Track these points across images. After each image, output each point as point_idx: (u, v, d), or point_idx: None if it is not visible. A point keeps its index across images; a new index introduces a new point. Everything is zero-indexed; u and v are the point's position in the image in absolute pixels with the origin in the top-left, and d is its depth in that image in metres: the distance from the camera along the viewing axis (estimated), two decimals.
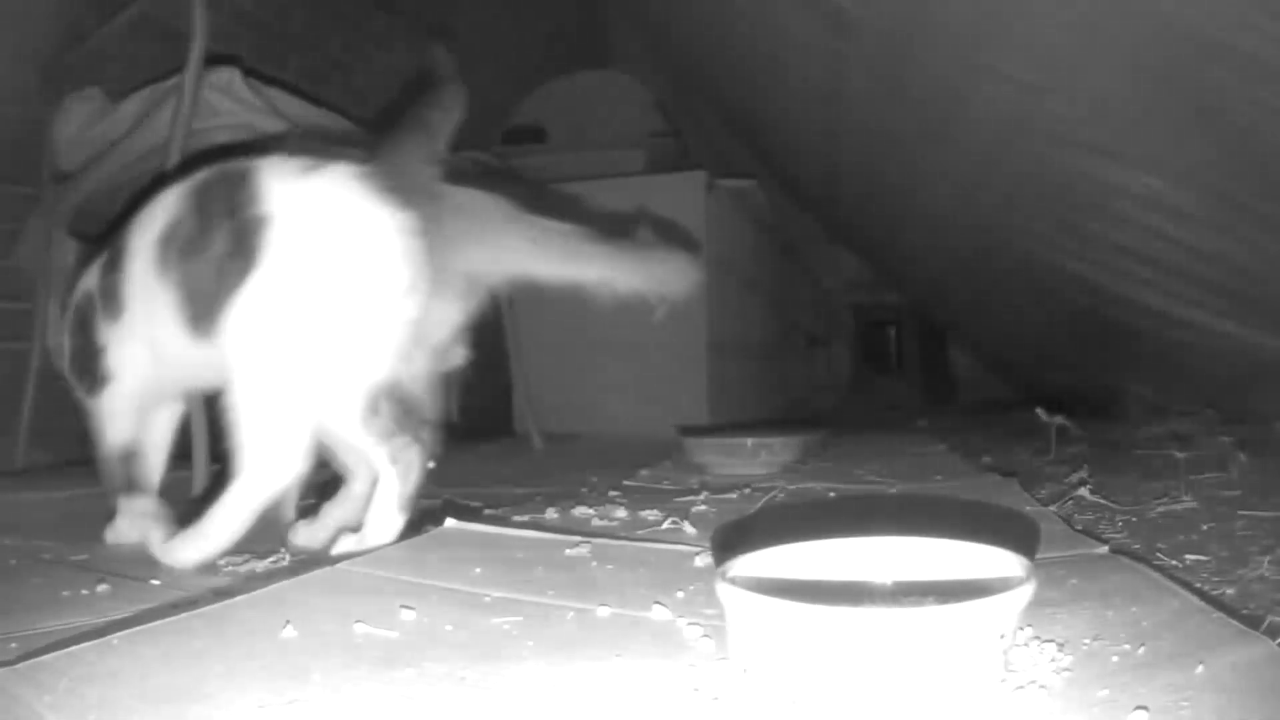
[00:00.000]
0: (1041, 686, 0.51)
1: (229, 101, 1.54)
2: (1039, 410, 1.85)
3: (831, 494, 1.33)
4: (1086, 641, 0.58)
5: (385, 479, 0.95)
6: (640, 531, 1.04)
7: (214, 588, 0.83)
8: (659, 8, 3.74)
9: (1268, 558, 0.92)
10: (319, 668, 0.54)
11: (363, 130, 1.86)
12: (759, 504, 1.24)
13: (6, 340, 1.85)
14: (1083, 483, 1.36)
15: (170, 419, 1.20)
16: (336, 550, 0.93)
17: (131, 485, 1.13)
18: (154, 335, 1.02)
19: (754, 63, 2.89)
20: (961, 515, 1.12)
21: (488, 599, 0.70)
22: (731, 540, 0.93)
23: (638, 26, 4.64)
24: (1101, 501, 1.28)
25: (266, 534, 1.03)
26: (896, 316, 4.80)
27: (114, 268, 1.05)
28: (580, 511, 1.15)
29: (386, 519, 0.95)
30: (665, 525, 1.07)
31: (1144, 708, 0.47)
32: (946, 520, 1.02)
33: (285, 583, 0.72)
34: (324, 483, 1.21)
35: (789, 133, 3.19)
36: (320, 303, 0.91)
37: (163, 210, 1.01)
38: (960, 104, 2.11)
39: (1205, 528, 1.10)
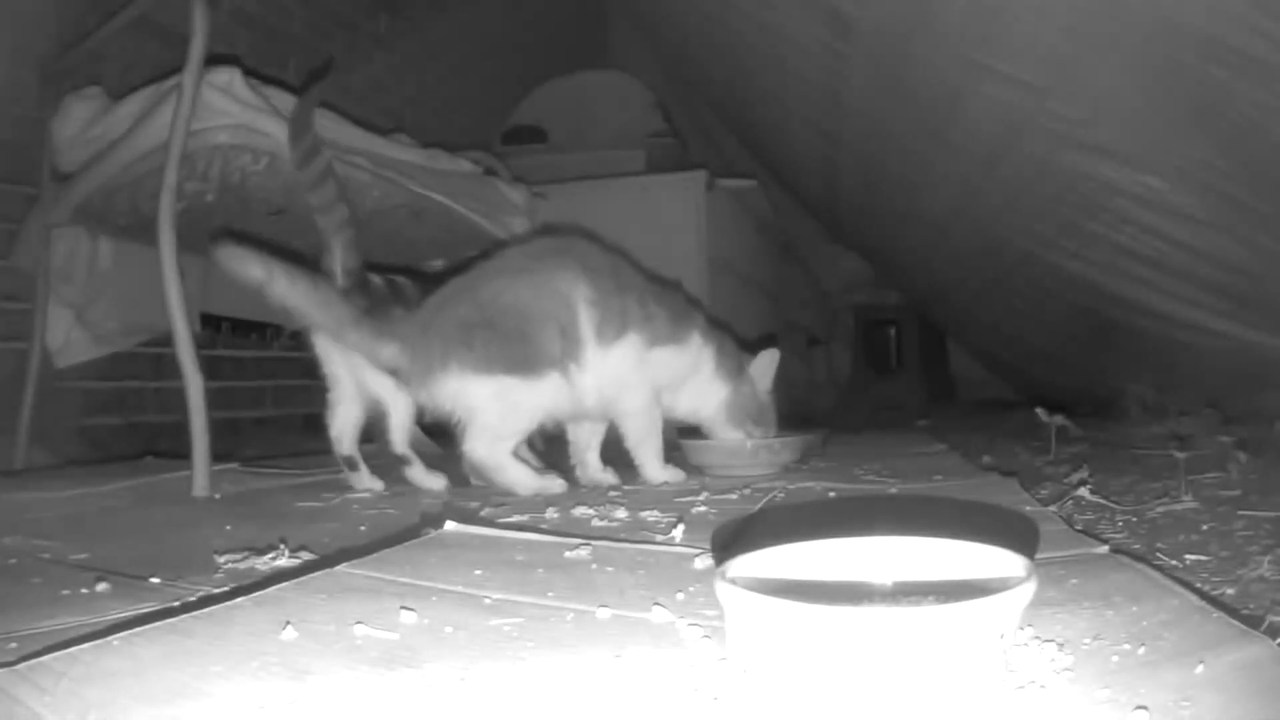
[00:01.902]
0: (1041, 686, 0.51)
1: (229, 101, 1.54)
2: (1039, 410, 1.85)
3: (831, 494, 1.33)
4: (1086, 641, 0.58)
5: None
6: (623, 535, 1.04)
7: (213, 588, 0.83)
8: (659, 8, 3.74)
9: (1268, 558, 0.92)
10: (319, 668, 0.54)
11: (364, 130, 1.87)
12: (759, 504, 1.24)
13: (6, 340, 1.86)
14: (1083, 483, 1.36)
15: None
16: None
17: None
18: None
19: (754, 63, 2.90)
20: (961, 515, 1.11)
21: (488, 601, 0.70)
22: (731, 540, 0.93)
23: (638, 26, 4.64)
24: (1101, 501, 1.28)
25: (266, 533, 1.04)
26: (896, 316, 4.79)
27: None
28: (580, 512, 1.15)
29: None
30: (660, 530, 1.07)
31: (1144, 708, 0.47)
32: (946, 520, 1.02)
33: (285, 584, 0.72)
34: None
35: (789, 133, 3.19)
36: None
37: None
38: (960, 104, 2.11)
39: (1205, 528, 1.10)
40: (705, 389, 1.61)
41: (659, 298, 1.53)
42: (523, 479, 1.39)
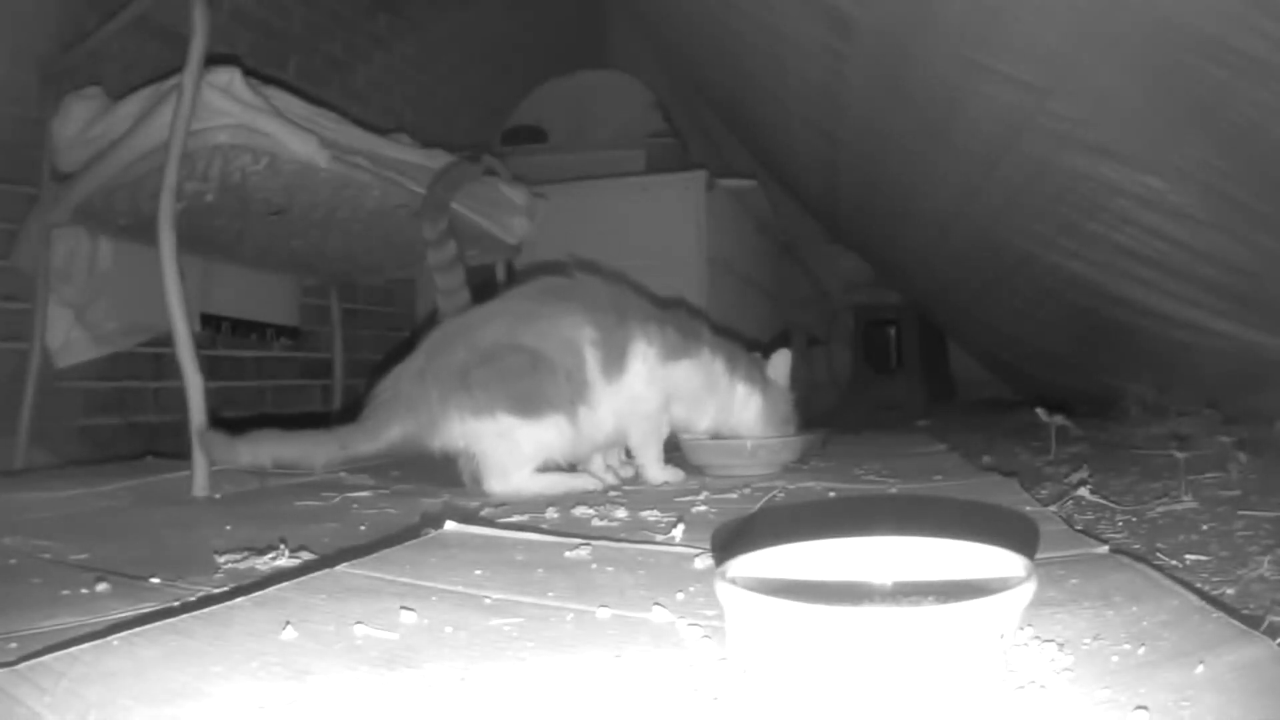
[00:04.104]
0: (1041, 686, 0.51)
1: (229, 101, 1.54)
2: (1039, 410, 1.85)
3: (831, 494, 1.33)
4: (1086, 641, 0.58)
5: None
6: (623, 535, 1.04)
7: (213, 588, 0.84)
8: (659, 7, 3.74)
9: (1268, 558, 0.92)
10: (319, 668, 0.54)
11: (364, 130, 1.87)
12: (759, 504, 1.24)
13: (6, 340, 1.86)
14: (1083, 483, 1.36)
15: None
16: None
17: None
18: None
19: (753, 63, 2.89)
20: (961, 515, 1.11)
21: (488, 600, 0.70)
22: (731, 540, 0.93)
23: (638, 26, 4.64)
24: (1101, 501, 1.28)
25: (266, 533, 1.04)
26: (896, 316, 4.78)
27: None
28: (580, 512, 1.15)
29: None
30: (661, 529, 1.07)
31: (1144, 708, 0.47)
32: (946, 520, 1.02)
33: (285, 584, 0.72)
34: None
35: (789, 133, 3.18)
36: None
37: None
38: (960, 104, 2.11)
39: (1205, 528, 1.10)
40: (733, 401, 1.63)
41: (662, 318, 1.54)
42: (554, 485, 1.40)
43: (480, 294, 1.55)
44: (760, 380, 1.67)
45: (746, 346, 1.73)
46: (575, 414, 1.41)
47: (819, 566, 0.59)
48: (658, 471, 1.53)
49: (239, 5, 2.45)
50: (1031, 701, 0.49)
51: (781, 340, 1.83)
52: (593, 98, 3.48)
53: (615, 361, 1.45)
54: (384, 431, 1.36)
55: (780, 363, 1.72)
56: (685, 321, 1.59)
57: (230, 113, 1.53)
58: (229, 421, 1.42)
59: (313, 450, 1.35)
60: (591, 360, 1.43)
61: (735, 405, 1.63)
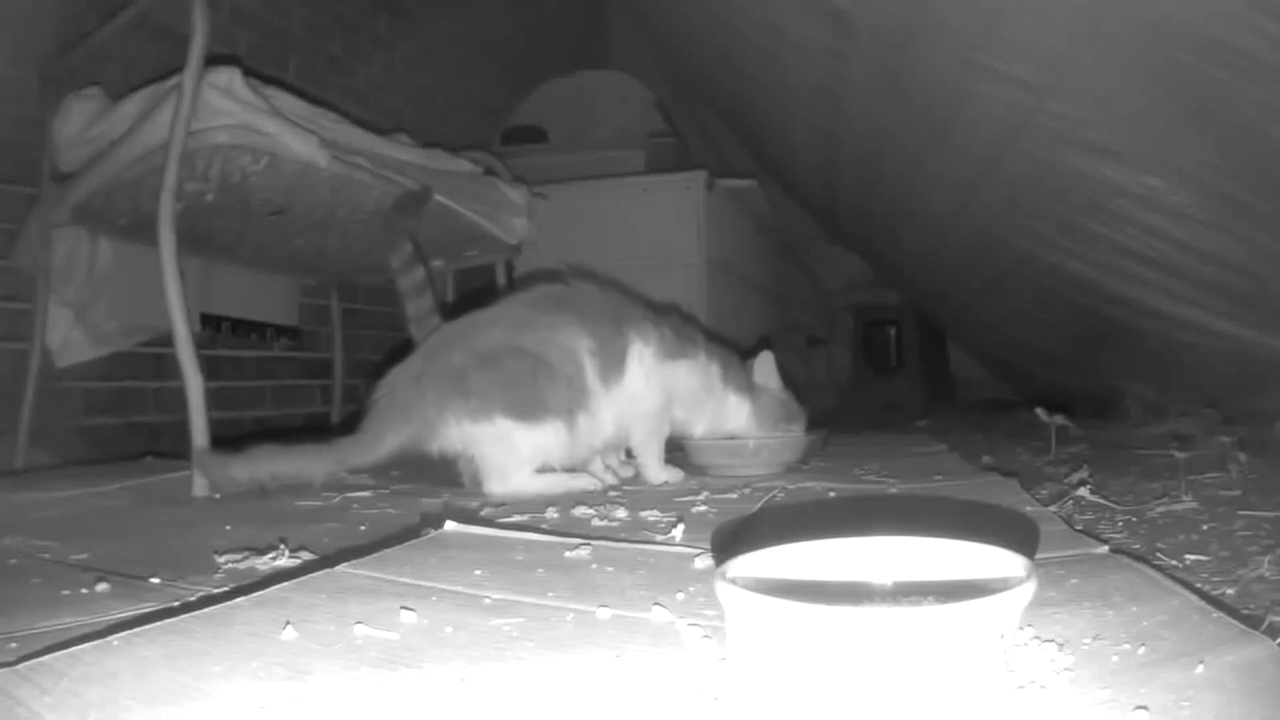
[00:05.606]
0: (1041, 686, 0.51)
1: (229, 101, 1.54)
2: (1039, 410, 1.85)
3: (831, 494, 1.33)
4: (1086, 641, 0.58)
5: None
6: (623, 535, 1.04)
7: (213, 588, 0.84)
8: (659, 8, 3.74)
9: (1268, 558, 0.92)
10: (319, 668, 0.54)
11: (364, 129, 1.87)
12: (759, 504, 1.24)
13: (6, 340, 1.86)
14: (1083, 483, 1.36)
15: None
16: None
17: None
18: None
19: (753, 63, 2.90)
20: (961, 515, 1.11)
21: (488, 601, 0.70)
22: (731, 540, 0.93)
23: (638, 26, 4.64)
24: (1101, 501, 1.28)
25: (266, 533, 1.04)
26: (896, 316, 4.78)
27: None
28: (580, 512, 1.15)
29: None
30: (662, 528, 1.07)
31: (1144, 708, 0.47)
32: (946, 520, 1.02)
33: (285, 584, 0.72)
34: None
35: (789, 133, 3.19)
36: None
37: None
38: (960, 104, 2.11)
39: (1205, 528, 1.10)
40: (724, 409, 1.64)
41: (659, 320, 1.55)
42: (553, 485, 1.41)
43: (480, 298, 1.54)
44: (749, 388, 1.67)
45: (740, 354, 1.73)
46: (574, 420, 1.41)
47: (819, 566, 0.59)
48: (658, 471, 1.53)
49: (239, 5, 2.45)
50: (1031, 701, 0.49)
51: (763, 344, 1.82)
52: (593, 98, 3.48)
53: (613, 367, 1.45)
54: (381, 443, 1.36)
55: (764, 367, 1.71)
56: (681, 325, 1.60)
57: (230, 113, 1.53)
58: (229, 439, 1.43)
59: (311, 465, 1.36)
60: (590, 368, 1.43)
61: (728, 413, 1.64)
